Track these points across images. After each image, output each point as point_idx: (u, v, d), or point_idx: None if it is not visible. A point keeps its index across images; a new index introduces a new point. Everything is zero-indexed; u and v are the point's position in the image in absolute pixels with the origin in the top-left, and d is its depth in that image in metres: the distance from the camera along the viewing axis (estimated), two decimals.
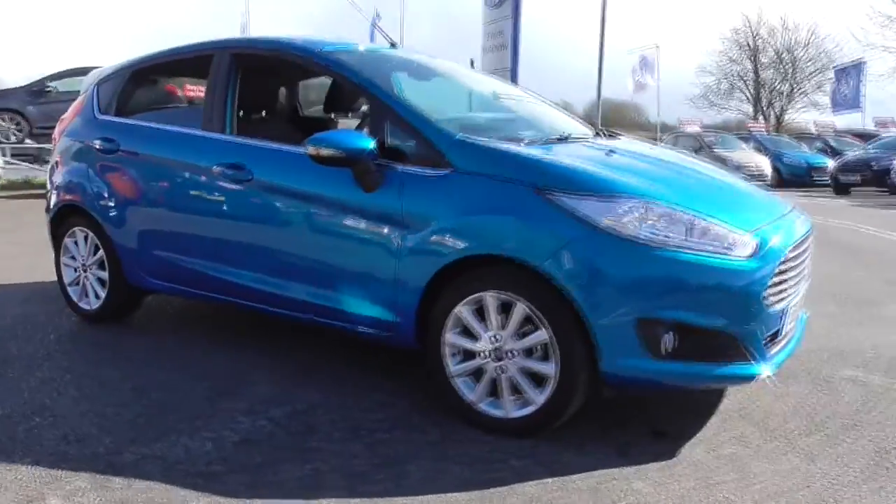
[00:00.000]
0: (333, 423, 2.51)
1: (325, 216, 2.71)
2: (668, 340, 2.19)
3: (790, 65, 35.63)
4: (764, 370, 2.26)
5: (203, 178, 3.08)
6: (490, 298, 2.36)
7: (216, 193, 3.03)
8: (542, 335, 2.29)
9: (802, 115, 35.04)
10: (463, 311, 2.42)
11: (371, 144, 2.55)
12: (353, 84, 2.85)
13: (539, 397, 2.33)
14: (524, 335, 2.35)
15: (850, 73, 25.39)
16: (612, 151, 2.76)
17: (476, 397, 2.45)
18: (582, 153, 2.67)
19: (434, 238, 2.44)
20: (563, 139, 2.87)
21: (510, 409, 2.40)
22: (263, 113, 3.90)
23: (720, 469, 2.21)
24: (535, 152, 2.52)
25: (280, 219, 2.85)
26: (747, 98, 37.31)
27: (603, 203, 2.24)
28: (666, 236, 2.20)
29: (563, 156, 2.54)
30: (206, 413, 2.58)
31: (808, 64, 35.24)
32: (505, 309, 2.37)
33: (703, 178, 2.80)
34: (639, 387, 2.35)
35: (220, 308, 3.91)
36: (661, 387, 2.37)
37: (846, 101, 25.55)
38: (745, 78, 36.98)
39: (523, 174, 2.37)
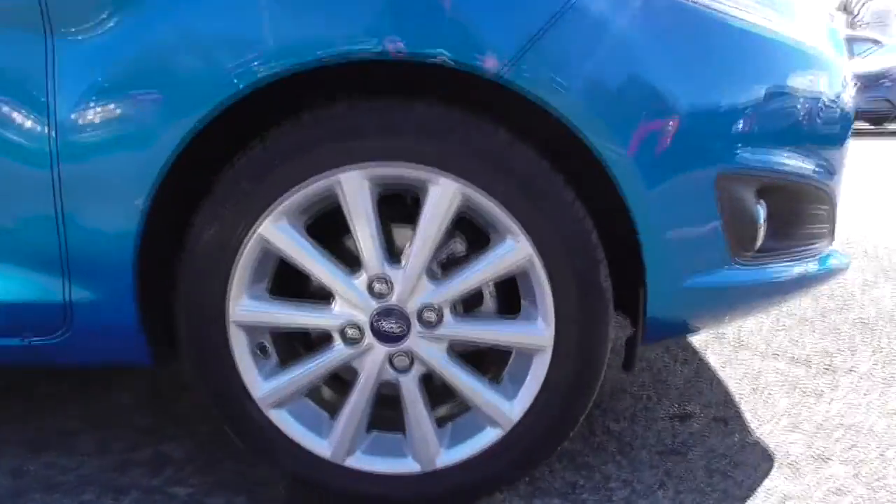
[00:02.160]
0: None
1: None
2: (760, 218, 1.02)
3: None
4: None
5: None
6: (355, 184, 0.89)
7: None
8: (507, 254, 0.92)
9: None
10: (276, 231, 0.91)
11: None
12: None
13: (510, 407, 0.97)
14: (448, 266, 0.96)
15: None
16: None
17: (337, 441, 0.98)
18: None
19: (164, 50, 0.85)
20: None
21: (433, 451, 0.98)
22: None
23: (819, 433, 1.19)
24: None
25: None
26: None
27: None
28: (736, 5, 1.00)
29: None
30: None
31: None
32: (396, 210, 0.94)
33: None
34: (688, 331, 1.16)
35: None
36: (722, 322, 1.19)
37: None
38: None
39: None
